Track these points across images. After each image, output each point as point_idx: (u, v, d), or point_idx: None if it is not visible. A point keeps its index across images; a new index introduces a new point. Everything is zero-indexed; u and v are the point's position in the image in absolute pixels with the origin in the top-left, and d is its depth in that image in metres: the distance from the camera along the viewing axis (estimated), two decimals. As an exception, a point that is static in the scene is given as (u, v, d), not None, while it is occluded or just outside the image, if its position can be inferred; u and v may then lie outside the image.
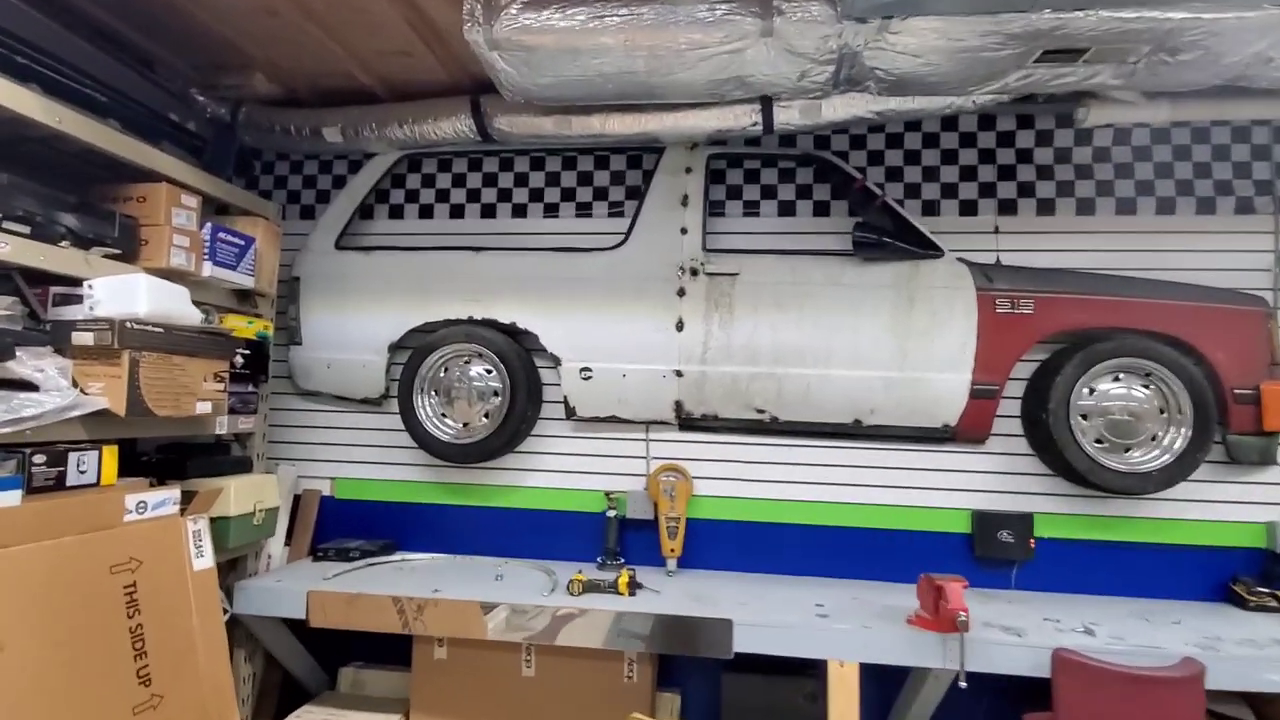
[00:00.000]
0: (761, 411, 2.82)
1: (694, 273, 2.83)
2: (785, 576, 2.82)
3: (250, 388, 2.64)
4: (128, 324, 1.92)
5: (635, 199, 3.09)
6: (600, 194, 3.15)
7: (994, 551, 2.74)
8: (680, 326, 2.82)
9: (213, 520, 2.32)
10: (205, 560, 2.22)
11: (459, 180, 3.25)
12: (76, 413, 1.81)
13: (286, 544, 3.04)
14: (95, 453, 1.93)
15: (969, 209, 2.92)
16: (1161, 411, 2.59)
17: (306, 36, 2.62)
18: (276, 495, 2.68)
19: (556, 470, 3.05)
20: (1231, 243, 2.78)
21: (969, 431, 2.74)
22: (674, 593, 2.55)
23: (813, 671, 2.52)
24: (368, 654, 2.98)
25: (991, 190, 2.92)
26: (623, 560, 2.87)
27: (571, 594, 2.45)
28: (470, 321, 2.93)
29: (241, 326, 2.55)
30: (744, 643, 2.23)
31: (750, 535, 2.89)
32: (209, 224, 2.34)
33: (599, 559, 2.87)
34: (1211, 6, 1.88)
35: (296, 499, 3.15)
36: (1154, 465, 2.54)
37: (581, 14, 2.11)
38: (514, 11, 2.15)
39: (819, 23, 2.06)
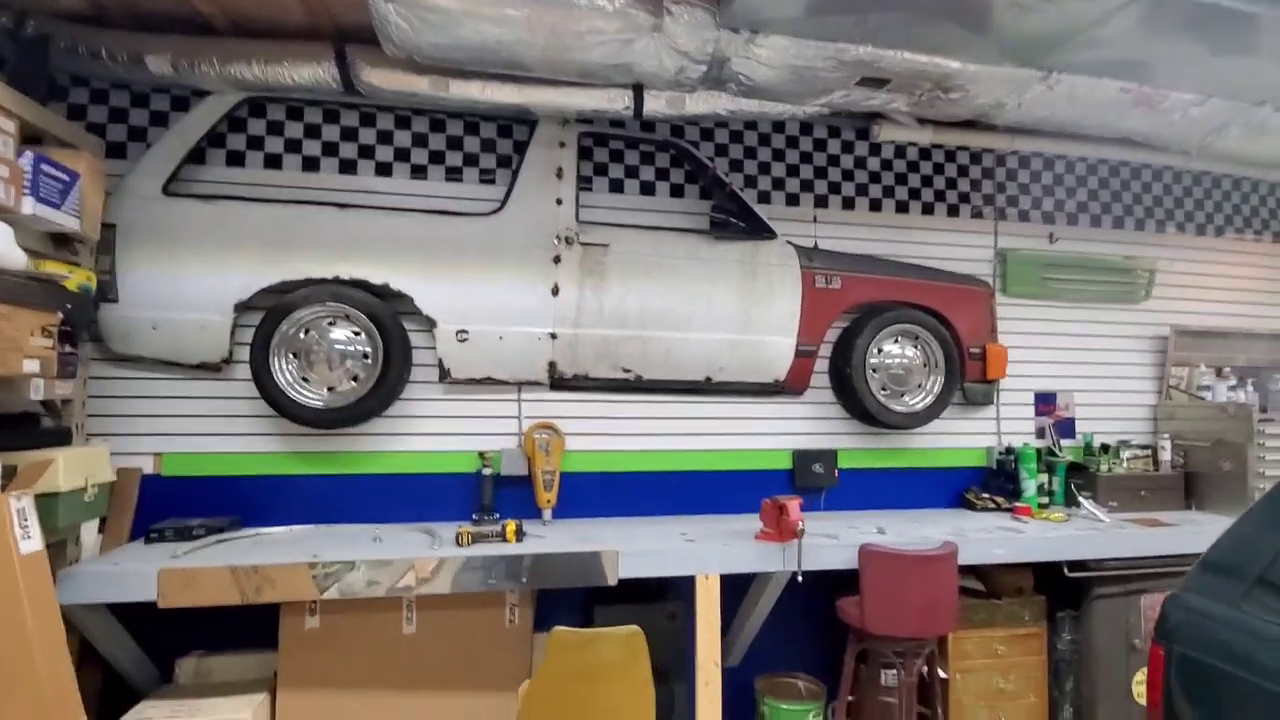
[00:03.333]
0: (628, 371, 3.12)
1: (569, 242, 3.02)
2: (650, 517, 3.18)
3: (69, 348, 2.28)
4: (-51, 262, 1.62)
5: (506, 167, 3.19)
6: (470, 159, 3.19)
7: (809, 481, 3.37)
8: (556, 291, 3.00)
9: (38, 498, 2.01)
10: (33, 543, 1.93)
11: (313, 131, 3.06)
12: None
13: (100, 531, 2.67)
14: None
15: (793, 200, 3.50)
16: (925, 365, 3.39)
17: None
18: (109, 469, 2.37)
19: (427, 433, 3.06)
20: (968, 239, 3.69)
21: (793, 385, 3.32)
22: (557, 537, 2.76)
23: (670, 595, 2.91)
24: (207, 642, 2.74)
25: (810, 186, 3.52)
26: (498, 515, 3.00)
27: (461, 545, 2.54)
28: (336, 281, 2.81)
29: (62, 276, 2.20)
30: (628, 569, 2.52)
31: (617, 484, 3.20)
32: (28, 153, 1.99)
33: (474, 516, 2.97)
34: (972, 59, 2.56)
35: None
36: (922, 405, 3.33)
37: (488, -18, 2.19)
38: (416, -32, 2.15)
39: (700, 27, 2.38)
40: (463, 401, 3.10)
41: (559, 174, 3.06)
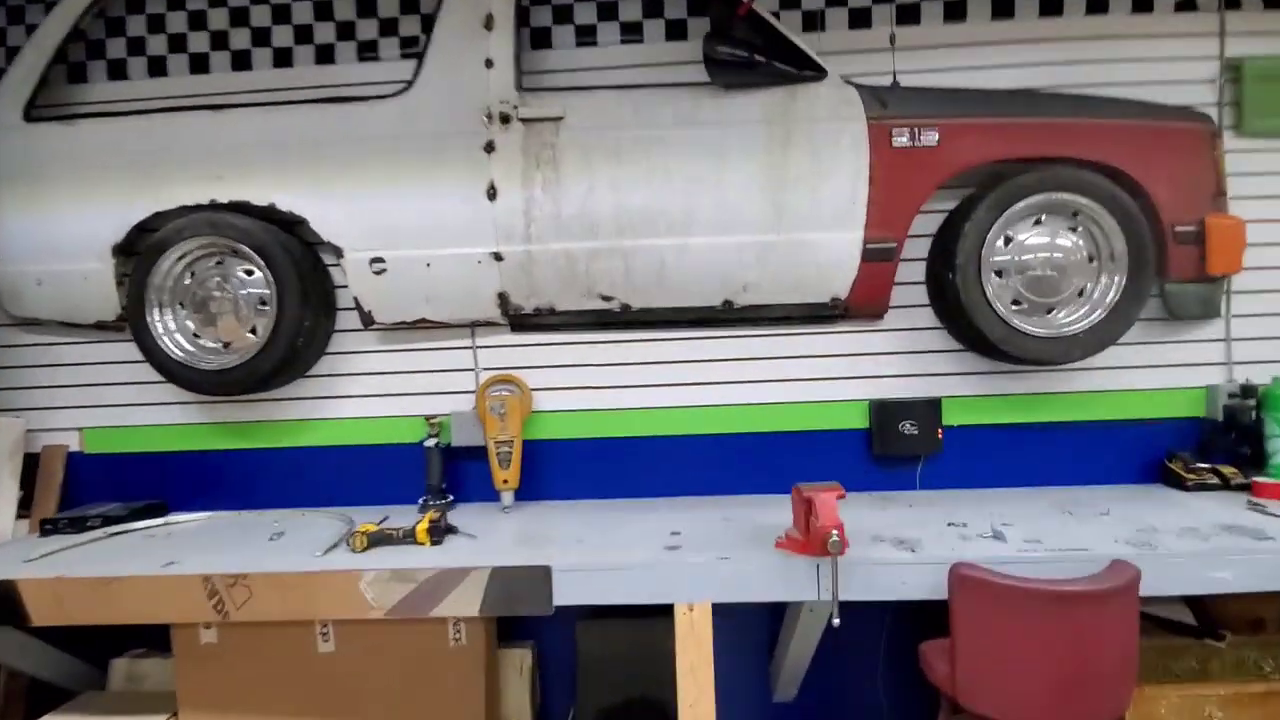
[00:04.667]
0: (608, 299, 2.21)
1: (505, 119, 2.13)
2: (649, 500, 2.30)
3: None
4: None
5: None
6: (388, 27, 2.37)
7: (895, 447, 2.27)
8: (493, 194, 2.14)
9: None
10: None
11: (198, 20, 2.41)
12: None
13: (24, 515, 2.37)
14: None
15: (860, 19, 2.28)
16: (1091, 260, 2.09)
17: None
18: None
19: (364, 395, 2.41)
20: (1171, 48, 2.23)
21: (863, 305, 2.20)
22: (498, 535, 1.99)
23: (687, 608, 2.04)
24: (153, 639, 2.36)
25: (887, -8, 2.27)
26: (451, 498, 2.30)
27: (354, 550, 1.87)
28: (214, 207, 2.18)
29: None
30: (567, 593, 1.69)
31: (606, 454, 2.34)
32: None
33: (422, 499, 2.29)
34: None
35: (34, 459, 2.44)
36: (1082, 325, 2.06)
37: None
38: None
39: None
40: (405, 353, 2.39)
41: (488, 23, 2.14)
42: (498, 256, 2.17)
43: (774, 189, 2.10)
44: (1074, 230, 2.09)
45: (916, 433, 2.25)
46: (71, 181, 2.22)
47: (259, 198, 2.16)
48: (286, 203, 2.16)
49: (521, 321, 2.29)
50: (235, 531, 2.17)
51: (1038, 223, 2.09)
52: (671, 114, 2.11)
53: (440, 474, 2.29)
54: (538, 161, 2.12)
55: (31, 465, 2.43)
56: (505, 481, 2.23)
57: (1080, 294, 2.10)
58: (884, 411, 2.27)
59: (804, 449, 2.29)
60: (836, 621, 1.55)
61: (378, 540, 1.90)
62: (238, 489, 2.43)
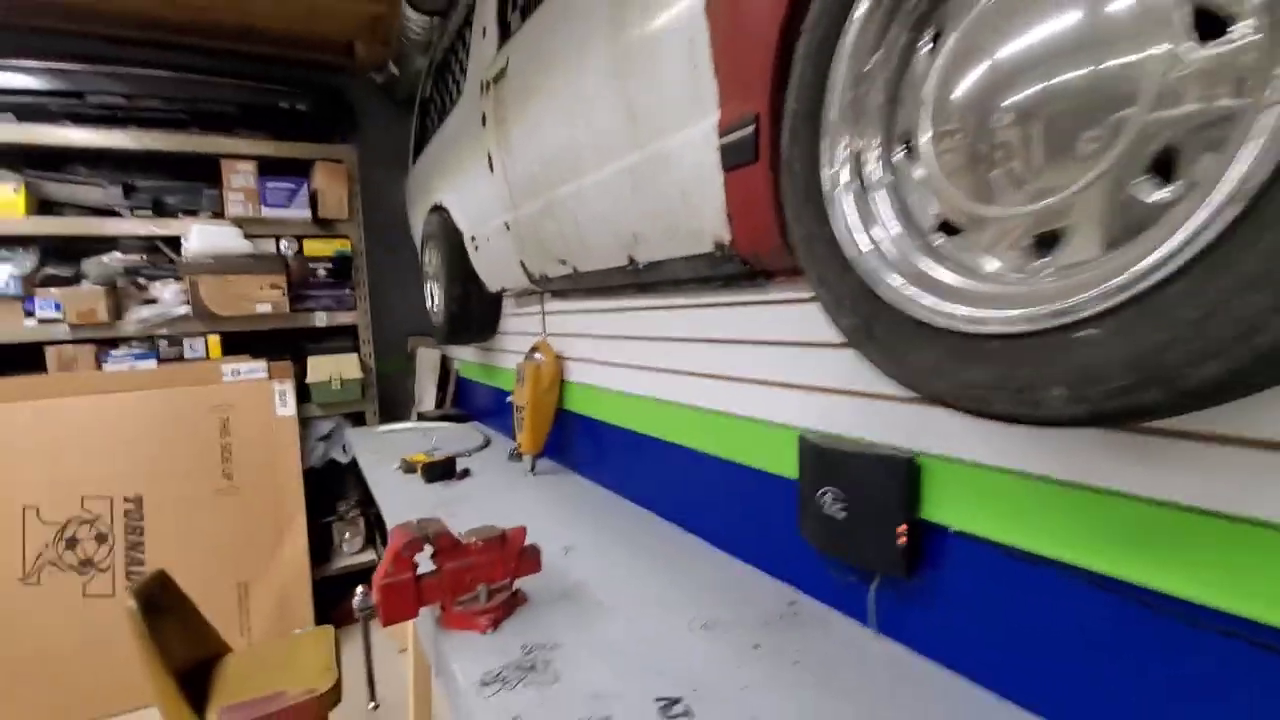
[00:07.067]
0: (563, 262, 1.90)
1: (486, 84, 2.07)
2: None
3: (346, 290, 3.53)
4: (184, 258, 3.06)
5: None
6: None
7: (822, 535, 1.12)
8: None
9: (308, 385, 3.37)
10: (287, 410, 3.28)
11: None
12: (168, 316, 3.08)
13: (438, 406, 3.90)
14: (203, 339, 3.19)
15: None
16: None
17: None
18: (357, 369, 3.53)
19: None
20: None
21: (758, 251, 1.16)
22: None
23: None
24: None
25: None
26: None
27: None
28: None
29: (319, 247, 3.44)
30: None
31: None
32: (261, 178, 3.27)
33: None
34: None
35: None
36: None
37: None
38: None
39: None
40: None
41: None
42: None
43: (617, 73, 1.34)
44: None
45: (844, 517, 1.05)
46: None
47: None
48: None
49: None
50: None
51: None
52: None
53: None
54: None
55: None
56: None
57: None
58: (813, 460, 1.14)
59: (722, 489, 1.41)
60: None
61: None
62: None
